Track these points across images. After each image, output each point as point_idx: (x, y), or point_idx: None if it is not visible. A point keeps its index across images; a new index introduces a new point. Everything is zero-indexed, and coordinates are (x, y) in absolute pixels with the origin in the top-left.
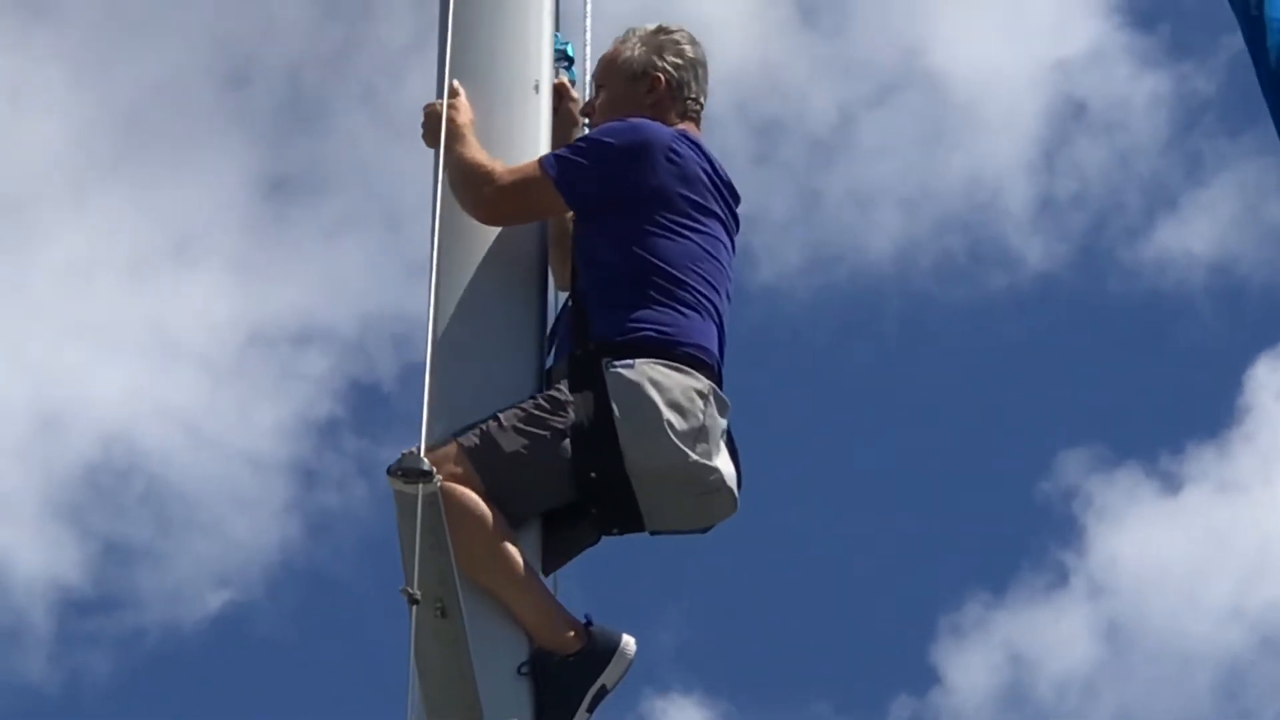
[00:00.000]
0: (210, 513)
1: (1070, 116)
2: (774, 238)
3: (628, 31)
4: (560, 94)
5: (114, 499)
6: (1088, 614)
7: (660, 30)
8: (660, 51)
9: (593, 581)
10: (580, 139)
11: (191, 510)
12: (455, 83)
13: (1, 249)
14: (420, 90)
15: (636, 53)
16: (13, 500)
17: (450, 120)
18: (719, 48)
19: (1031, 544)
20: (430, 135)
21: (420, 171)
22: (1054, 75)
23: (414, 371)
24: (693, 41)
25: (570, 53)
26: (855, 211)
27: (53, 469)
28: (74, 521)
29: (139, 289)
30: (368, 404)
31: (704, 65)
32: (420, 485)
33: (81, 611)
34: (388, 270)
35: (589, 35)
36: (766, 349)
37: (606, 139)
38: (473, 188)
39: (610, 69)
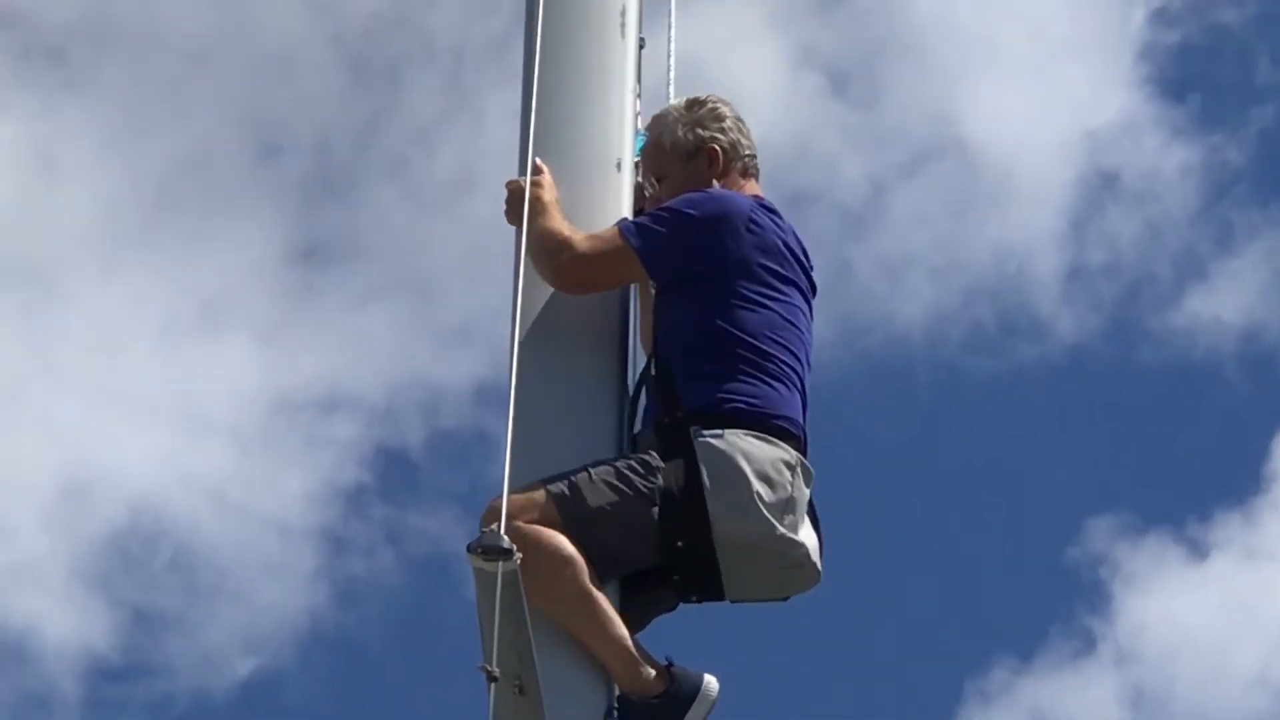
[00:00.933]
0: (239, 580)
1: (1101, 186)
2: None
3: (656, 117)
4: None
5: (142, 567)
6: (1115, 680)
7: (693, 103)
8: (703, 124)
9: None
10: (661, 208)
11: (220, 577)
12: (539, 160)
13: (30, 317)
14: (449, 162)
15: (681, 133)
16: (41, 568)
17: (534, 197)
18: (749, 118)
19: (1059, 610)
20: (513, 213)
21: (448, 240)
22: (1085, 145)
23: (441, 438)
24: (724, 101)
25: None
26: (886, 282)
27: (80, 537)
28: (102, 589)
29: (167, 357)
30: (395, 471)
31: (742, 119)
32: (500, 563)
33: (111, 679)
34: (416, 338)
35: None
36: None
37: (688, 209)
38: (553, 255)
39: (662, 158)
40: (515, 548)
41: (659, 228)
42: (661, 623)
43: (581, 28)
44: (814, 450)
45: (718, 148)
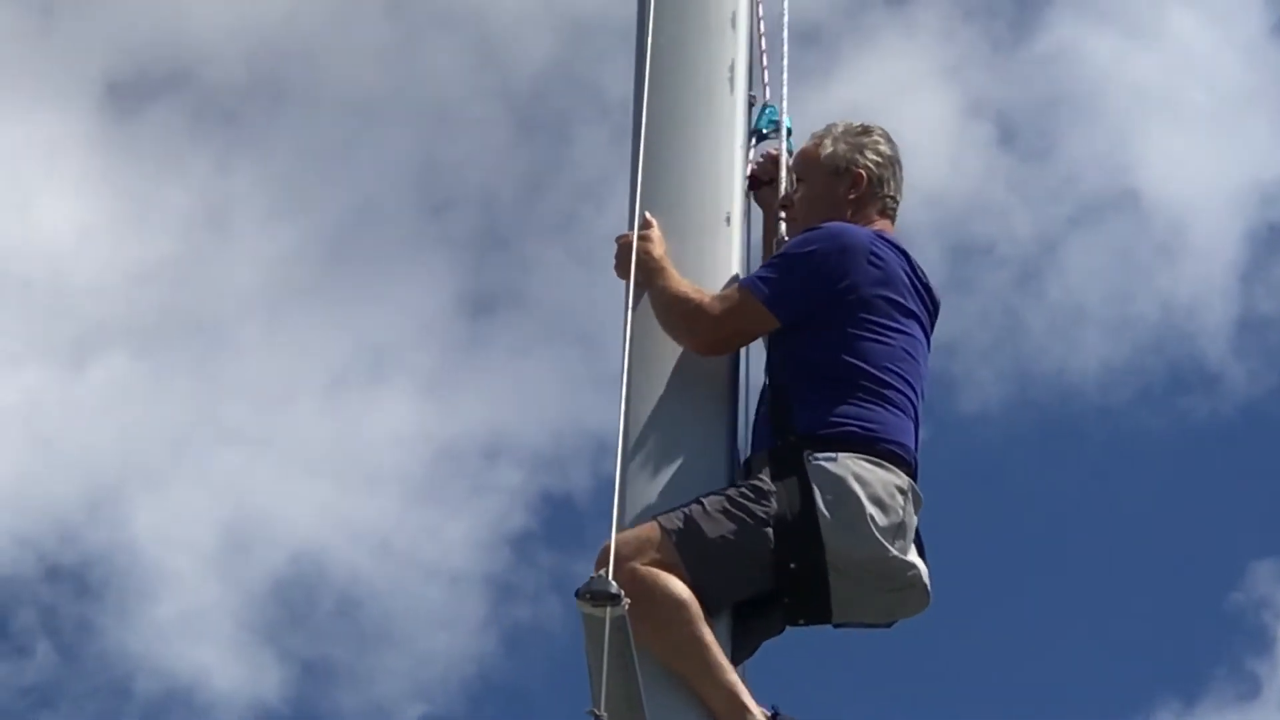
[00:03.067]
0: (405, 629)
1: (1273, 239)
2: (974, 363)
3: (828, 127)
4: (775, 163)
5: (308, 617)
6: None
7: (862, 129)
8: (861, 149)
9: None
10: (778, 255)
11: (387, 626)
12: (648, 214)
13: (200, 371)
14: (615, 218)
15: (839, 149)
16: (209, 618)
17: (646, 253)
18: (920, 169)
19: (1223, 654)
20: (622, 267)
21: (613, 294)
22: (1258, 197)
23: (608, 483)
24: (890, 140)
25: (790, 124)
26: (1057, 335)
27: (247, 587)
28: (269, 639)
29: (333, 408)
30: (561, 516)
31: (900, 164)
32: (608, 608)
33: None
34: (580, 385)
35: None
36: (968, 475)
37: (809, 249)
38: (687, 322)
39: (811, 163)
40: (623, 593)
41: (783, 275)
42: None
43: (690, 82)
44: (990, 498)
45: (865, 175)
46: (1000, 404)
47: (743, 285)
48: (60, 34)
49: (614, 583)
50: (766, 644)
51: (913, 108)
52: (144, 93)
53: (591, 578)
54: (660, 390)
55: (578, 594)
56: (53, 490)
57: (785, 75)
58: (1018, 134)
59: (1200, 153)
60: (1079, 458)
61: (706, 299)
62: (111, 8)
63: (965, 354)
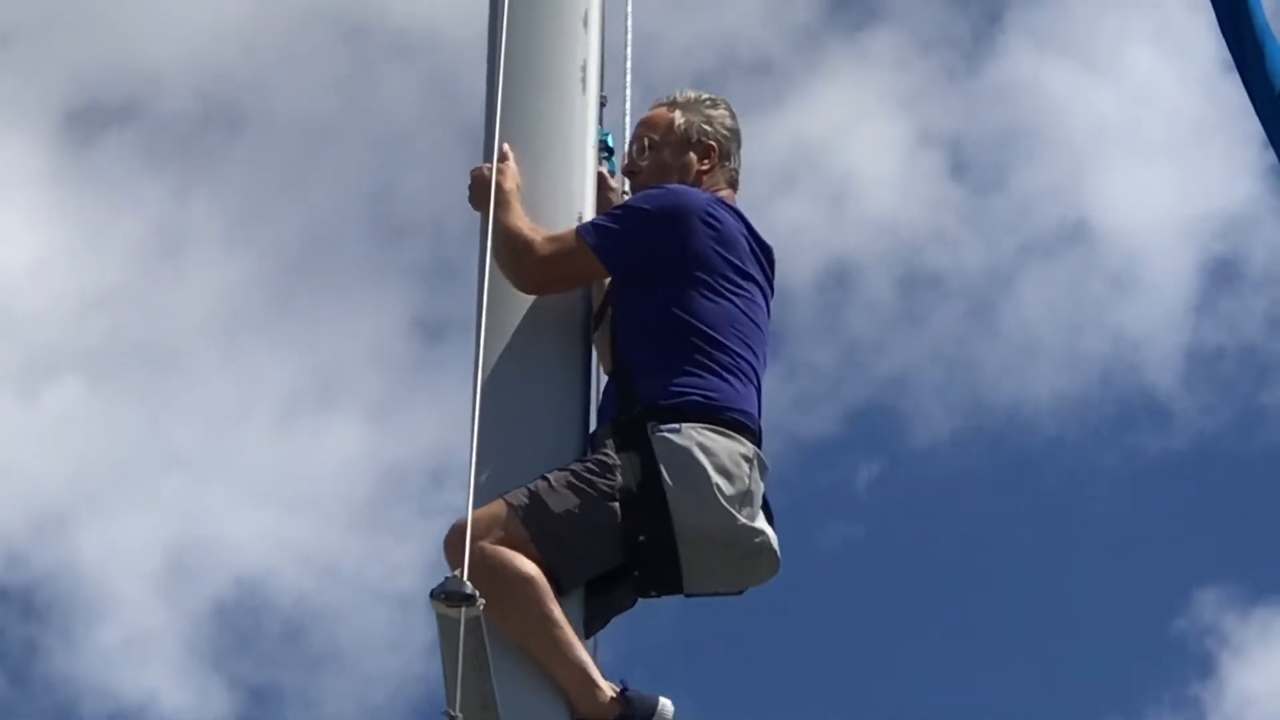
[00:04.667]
0: (353, 652)
1: (1224, 273)
2: (925, 397)
3: (674, 94)
4: (601, 185)
5: (257, 641)
6: None
7: (710, 101)
8: (712, 121)
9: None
10: (617, 207)
11: (335, 650)
12: (505, 146)
13: (151, 397)
14: None
15: (693, 119)
16: (156, 641)
17: (496, 185)
18: (871, 202)
19: (1167, 679)
20: (477, 199)
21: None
22: (1210, 229)
23: None
24: (734, 113)
25: (610, 143)
26: (1009, 369)
27: (194, 611)
28: (217, 663)
29: (283, 433)
30: None
31: (740, 136)
32: (463, 609)
33: None
34: None
35: (628, 105)
36: (922, 509)
37: (644, 205)
38: (515, 258)
39: (664, 132)
40: (478, 594)
41: (615, 224)
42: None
43: (543, 82)
44: (942, 530)
45: (716, 146)
46: (951, 437)
47: (578, 228)
48: (14, 64)
49: (469, 583)
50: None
51: (864, 138)
52: (99, 122)
53: (446, 578)
54: (515, 342)
55: (432, 594)
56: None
57: (629, 77)
58: (970, 165)
59: (1153, 185)
60: (1030, 490)
61: (539, 238)
62: (66, 37)
63: (916, 388)
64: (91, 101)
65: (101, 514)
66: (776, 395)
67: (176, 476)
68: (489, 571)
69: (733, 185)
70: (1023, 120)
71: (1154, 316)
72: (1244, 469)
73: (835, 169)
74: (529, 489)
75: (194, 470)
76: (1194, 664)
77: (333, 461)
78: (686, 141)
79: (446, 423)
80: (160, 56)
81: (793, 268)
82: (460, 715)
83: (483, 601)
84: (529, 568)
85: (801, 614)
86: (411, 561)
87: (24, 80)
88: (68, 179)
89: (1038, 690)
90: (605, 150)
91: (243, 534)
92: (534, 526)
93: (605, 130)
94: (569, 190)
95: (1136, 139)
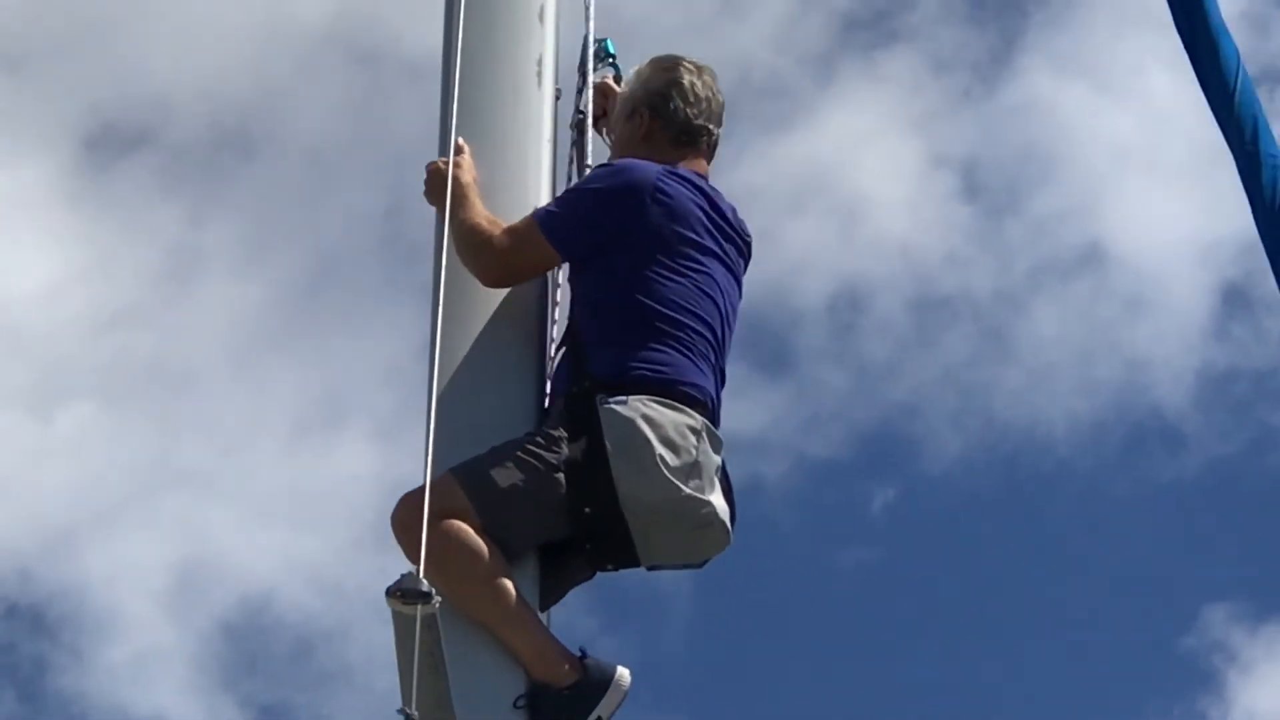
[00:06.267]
0: (362, 669)
1: (1238, 297)
2: (938, 421)
3: (638, 67)
4: (604, 93)
5: (265, 659)
6: None
7: (655, 61)
8: (651, 84)
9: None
10: (567, 189)
11: (344, 668)
12: (460, 140)
13: (164, 417)
14: None
15: (634, 90)
16: (166, 660)
17: (454, 179)
18: (883, 224)
19: (1176, 695)
20: (433, 193)
21: None
22: (1224, 253)
23: None
24: (694, 69)
25: (611, 49)
26: (1021, 393)
27: (203, 630)
28: (227, 681)
29: (294, 452)
30: None
31: (707, 89)
32: (419, 606)
33: None
34: None
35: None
36: (936, 534)
37: (592, 185)
38: (475, 254)
39: (613, 105)
40: (434, 591)
41: (565, 210)
42: None
43: (498, 78)
44: (953, 553)
45: (648, 113)
46: (964, 460)
47: (534, 216)
48: (32, 88)
49: (425, 580)
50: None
51: (876, 159)
52: (115, 146)
53: (402, 575)
54: (472, 328)
55: (388, 592)
56: (11, 532)
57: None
58: (984, 187)
59: (1167, 209)
60: (1043, 512)
61: (497, 232)
62: (81, 63)
63: (929, 411)
64: (107, 126)
65: (111, 532)
66: (787, 415)
67: (185, 495)
68: (439, 543)
69: (685, 146)
70: (1038, 142)
71: (1167, 339)
72: (1256, 491)
73: (847, 190)
74: (475, 462)
75: (203, 489)
76: (1202, 680)
77: (341, 479)
78: (626, 116)
79: None
80: (174, 81)
81: (804, 289)
82: (415, 713)
83: (439, 600)
84: (475, 539)
85: (818, 636)
86: None
87: (41, 105)
88: (84, 202)
89: (1049, 707)
90: (609, 57)
91: (251, 552)
92: (479, 499)
93: (600, 37)
94: (524, 184)
95: (1152, 162)
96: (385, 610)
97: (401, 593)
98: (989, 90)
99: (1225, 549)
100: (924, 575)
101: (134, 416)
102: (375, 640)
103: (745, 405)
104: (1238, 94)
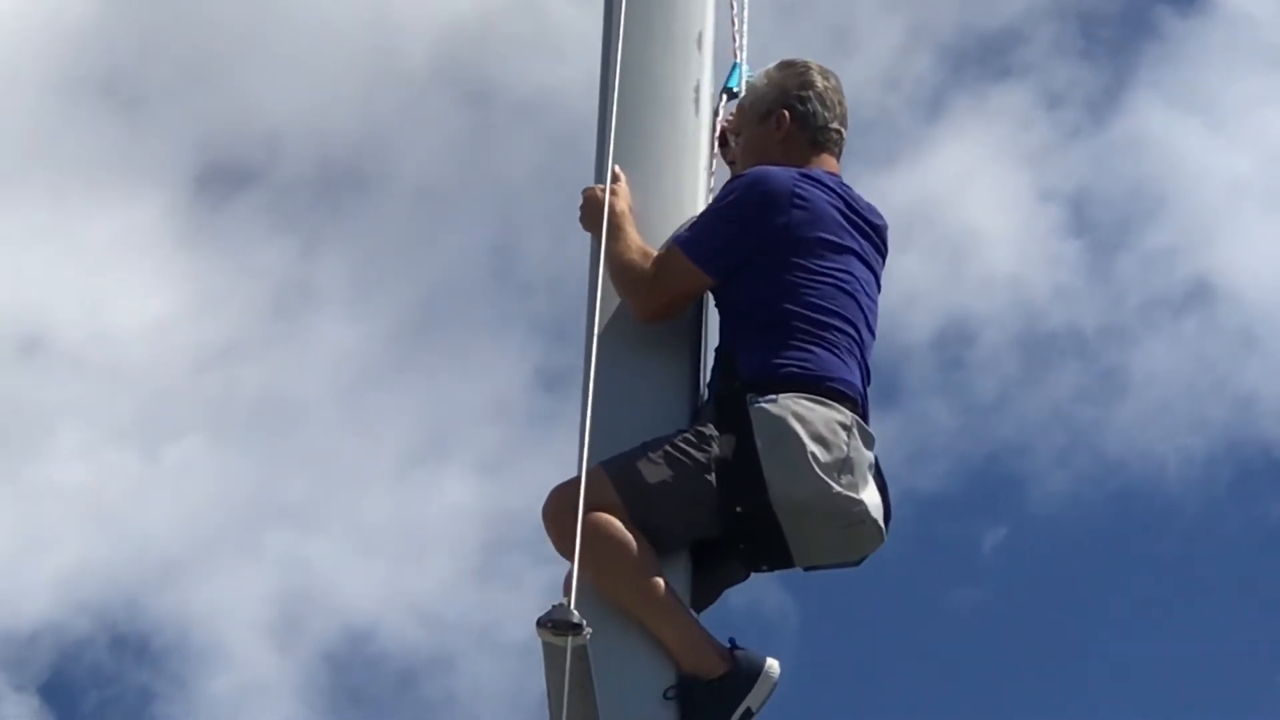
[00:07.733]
0: (468, 703)
1: None
2: (1047, 459)
3: (758, 74)
4: (724, 140)
5: (369, 690)
6: None
7: (785, 65)
8: (784, 86)
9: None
10: (706, 209)
11: (451, 700)
12: (617, 168)
13: (272, 451)
14: None
15: (764, 93)
16: (271, 693)
17: (610, 208)
18: (991, 259)
19: None
20: (589, 220)
21: None
22: None
23: None
24: (823, 72)
25: (735, 88)
26: (1130, 432)
27: (307, 662)
28: (332, 713)
29: (402, 485)
30: None
31: (836, 93)
32: (569, 637)
33: None
34: None
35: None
36: (1045, 572)
37: (729, 199)
38: (629, 293)
39: (742, 114)
40: (585, 622)
41: (707, 231)
42: None
43: (656, 103)
44: (1062, 597)
45: (787, 114)
46: (1073, 499)
47: (676, 243)
48: (145, 126)
49: (576, 612)
50: None
51: (984, 194)
52: (226, 183)
53: (553, 606)
54: (626, 345)
55: (539, 623)
56: (119, 564)
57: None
58: (1093, 222)
59: (1278, 246)
60: (1152, 548)
61: (652, 271)
62: (191, 103)
63: (1037, 449)
64: (217, 164)
65: (216, 564)
66: (892, 448)
67: (291, 528)
68: (589, 533)
69: (820, 147)
70: (1149, 177)
71: (1278, 376)
72: None
73: (955, 225)
74: (623, 456)
75: (309, 522)
76: None
77: (446, 513)
78: (760, 118)
79: (562, 471)
80: (283, 119)
81: (911, 324)
82: None
83: (589, 631)
84: (625, 534)
85: (926, 675)
86: (524, 610)
87: (153, 143)
88: (194, 239)
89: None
90: (731, 96)
91: (356, 584)
92: (626, 493)
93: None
94: (681, 212)
95: (1263, 198)
96: (489, 640)
97: (552, 624)
98: (1100, 125)
99: None
100: (1035, 615)
101: (241, 451)
102: (479, 671)
103: None
104: None
